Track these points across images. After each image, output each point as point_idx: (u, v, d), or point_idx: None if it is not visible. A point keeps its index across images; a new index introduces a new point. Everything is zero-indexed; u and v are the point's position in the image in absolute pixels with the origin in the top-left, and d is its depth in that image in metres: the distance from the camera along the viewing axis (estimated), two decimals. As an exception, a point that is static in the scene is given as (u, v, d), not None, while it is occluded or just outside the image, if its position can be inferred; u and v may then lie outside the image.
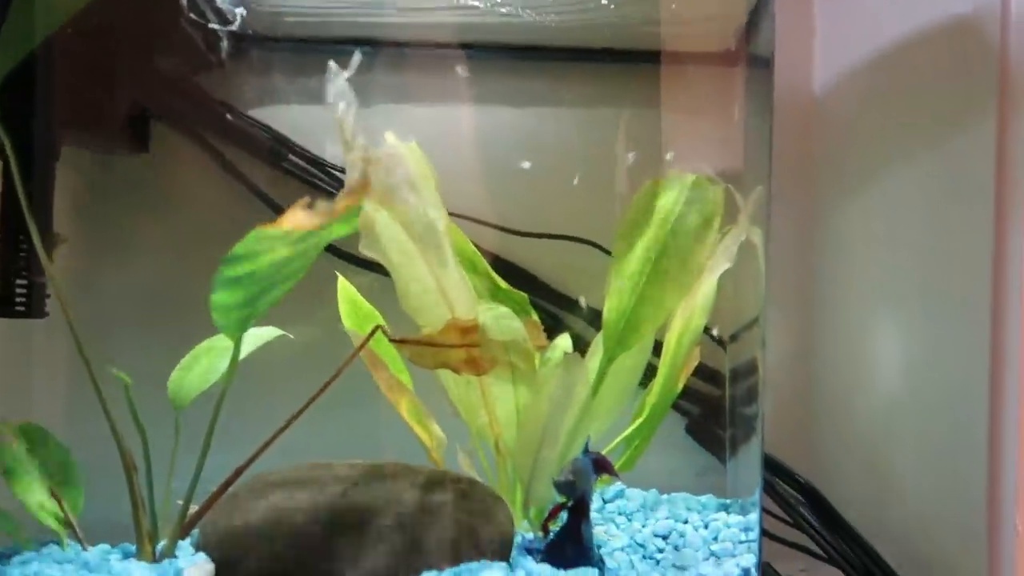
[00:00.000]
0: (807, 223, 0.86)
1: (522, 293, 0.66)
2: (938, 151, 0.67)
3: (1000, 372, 0.59)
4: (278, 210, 0.59)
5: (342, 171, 0.70)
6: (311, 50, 0.70)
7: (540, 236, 0.71)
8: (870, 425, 0.75)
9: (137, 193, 0.67)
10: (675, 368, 0.62)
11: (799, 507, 0.65)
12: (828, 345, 0.84)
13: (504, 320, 0.53)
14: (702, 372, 0.73)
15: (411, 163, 0.51)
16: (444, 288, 0.53)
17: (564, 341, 0.53)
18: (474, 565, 0.47)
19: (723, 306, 0.65)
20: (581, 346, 0.62)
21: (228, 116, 0.68)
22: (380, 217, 0.50)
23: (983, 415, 0.60)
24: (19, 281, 0.56)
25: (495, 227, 0.71)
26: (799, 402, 0.87)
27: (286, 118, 0.72)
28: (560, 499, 0.52)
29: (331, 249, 0.67)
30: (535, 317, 0.65)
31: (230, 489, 0.53)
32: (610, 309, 0.56)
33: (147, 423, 0.53)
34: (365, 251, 0.50)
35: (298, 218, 0.42)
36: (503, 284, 0.66)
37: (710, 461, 0.75)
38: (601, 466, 0.52)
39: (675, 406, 0.77)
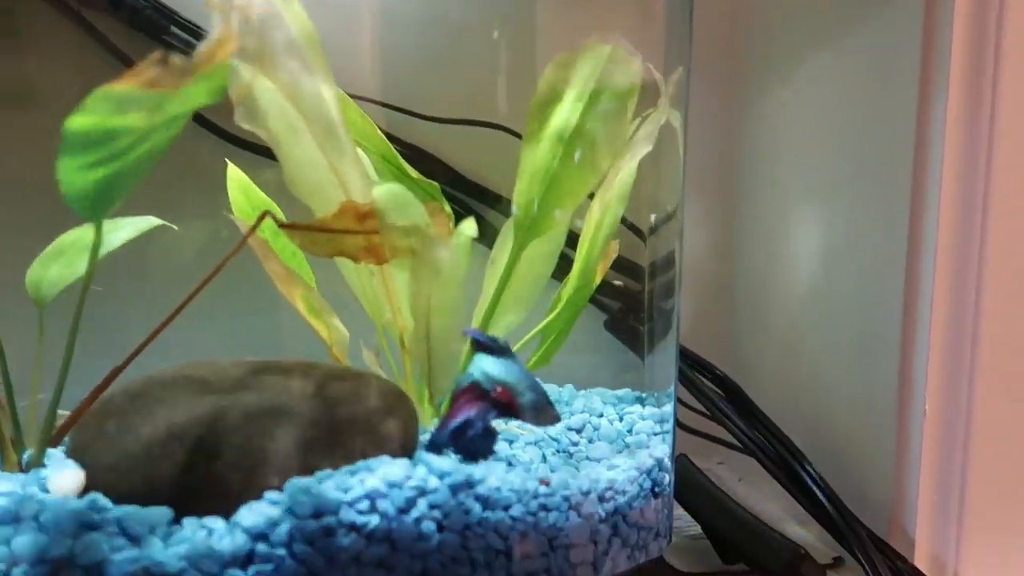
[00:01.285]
0: (731, 109, 0.84)
1: (433, 182, 0.62)
2: (865, 33, 0.64)
3: (916, 259, 0.58)
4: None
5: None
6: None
7: (445, 121, 0.66)
8: (787, 315, 0.74)
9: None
10: (591, 259, 0.59)
11: (717, 400, 0.64)
12: (749, 236, 0.83)
13: (404, 204, 0.48)
14: (622, 266, 0.71)
15: (291, 24, 0.45)
16: (337, 168, 0.48)
17: (469, 226, 0.49)
18: (372, 461, 0.44)
19: (643, 196, 0.62)
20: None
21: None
22: (259, 84, 0.44)
23: (898, 302, 0.59)
24: None
25: (401, 111, 0.66)
26: (719, 295, 0.86)
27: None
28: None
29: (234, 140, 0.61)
30: (447, 207, 0.61)
31: (105, 392, 0.48)
32: (520, 193, 0.52)
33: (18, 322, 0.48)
34: (242, 123, 0.45)
35: (149, 75, 0.36)
36: (413, 172, 0.61)
37: (629, 357, 0.73)
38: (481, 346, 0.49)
39: (595, 301, 0.75)
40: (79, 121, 0.37)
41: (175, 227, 0.55)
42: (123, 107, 0.37)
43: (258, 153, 0.59)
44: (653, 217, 0.65)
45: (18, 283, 0.52)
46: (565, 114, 0.51)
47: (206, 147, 0.66)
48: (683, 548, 0.63)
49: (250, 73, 0.45)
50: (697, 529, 0.63)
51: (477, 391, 0.50)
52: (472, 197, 0.69)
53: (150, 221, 0.53)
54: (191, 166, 0.66)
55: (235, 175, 0.59)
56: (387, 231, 0.49)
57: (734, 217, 0.85)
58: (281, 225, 0.49)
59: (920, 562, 0.57)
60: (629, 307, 0.72)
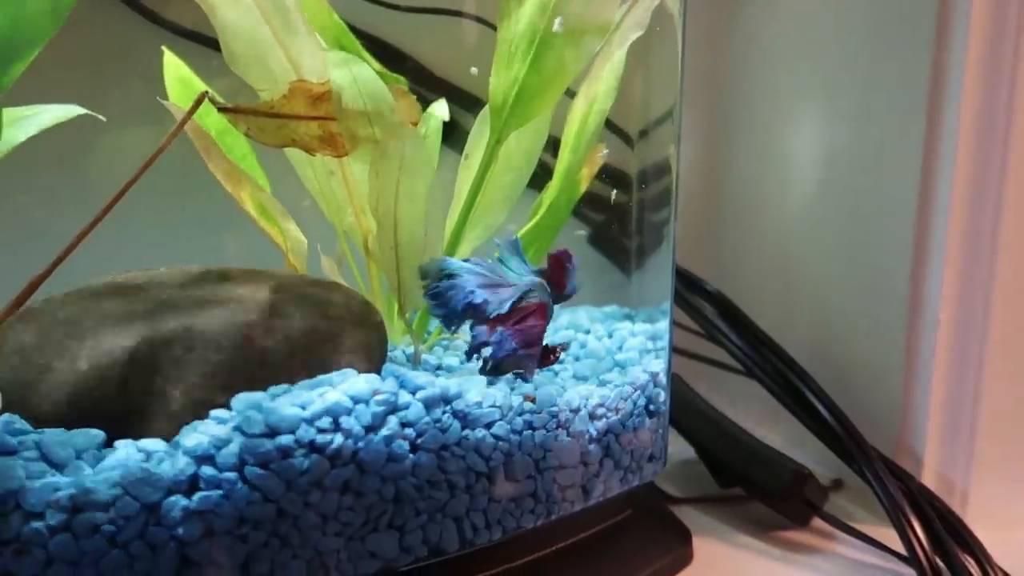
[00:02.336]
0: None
1: (399, 76, 0.55)
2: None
3: (934, 154, 0.53)
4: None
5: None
6: None
7: (411, 10, 0.59)
8: (783, 226, 0.70)
9: None
10: (576, 158, 0.53)
11: (711, 317, 0.59)
12: (737, 144, 0.77)
13: (366, 84, 0.42)
14: (608, 175, 0.65)
15: None
16: (284, 40, 0.41)
17: (440, 108, 0.43)
18: (335, 375, 0.39)
19: (632, 94, 0.56)
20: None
21: None
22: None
23: (911, 205, 0.54)
24: None
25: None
26: (705, 208, 0.81)
27: None
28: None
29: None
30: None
31: (24, 306, 0.42)
32: (497, 77, 0.46)
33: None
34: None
35: None
36: (375, 64, 0.54)
37: (614, 276, 0.68)
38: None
39: (577, 214, 0.69)
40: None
41: (102, 118, 0.48)
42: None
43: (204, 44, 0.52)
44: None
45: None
46: (548, -16, 0.44)
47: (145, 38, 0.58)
48: (676, 473, 0.60)
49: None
50: (691, 453, 0.59)
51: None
52: (443, 98, 0.62)
53: (72, 109, 0.46)
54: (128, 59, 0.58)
55: (173, 64, 0.52)
56: (346, 117, 0.43)
57: (721, 123, 0.79)
58: (221, 108, 0.42)
59: (927, 482, 0.53)
60: (614, 219, 0.66)
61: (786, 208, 0.69)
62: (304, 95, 0.42)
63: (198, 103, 0.43)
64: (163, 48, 0.52)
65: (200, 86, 0.51)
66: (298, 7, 0.41)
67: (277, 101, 0.42)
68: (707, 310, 0.60)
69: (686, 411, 0.57)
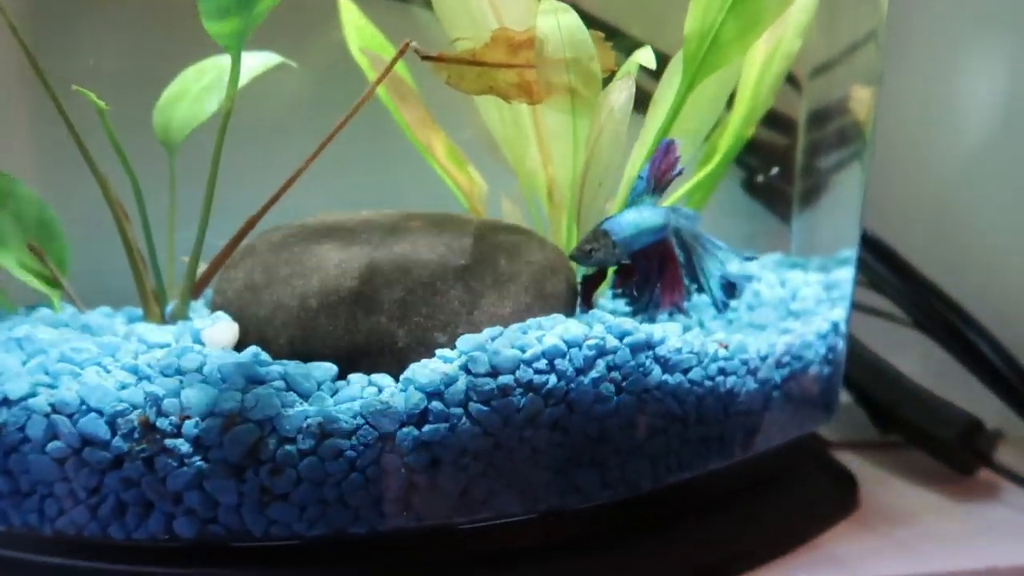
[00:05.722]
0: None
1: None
2: None
3: None
4: None
5: None
6: None
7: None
8: (946, 169, 0.67)
9: None
10: (756, 104, 0.52)
11: (871, 263, 0.58)
12: (894, 83, 0.73)
13: (570, 31, 0.42)
14: (768, 119, 0.64)
15: None
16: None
17: (645, 57, 0.43)
18: (544, 319, 0.41)
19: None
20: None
21: None
22: None
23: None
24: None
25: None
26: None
27: None
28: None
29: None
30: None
31: (244, 241, 0.45)
32: (693, 19, 0.45)
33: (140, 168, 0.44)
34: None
35: None
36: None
37: (770, 220, 0.67)
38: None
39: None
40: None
41: (294, 64, 0.50)
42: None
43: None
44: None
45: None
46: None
47: None
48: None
49: None
50: (846, 398, 0.59)
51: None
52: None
53: (271, 57, 0.48)
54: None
55: (349, 11, 0.53)
56: (545, 65, 0.43)
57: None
58: (425, 57, 0.43)
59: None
60: (774, 163, 0.65)
61: (953, 149, 0.66)
62: (506, 43, 0.43)
63: (402, 51, 0.44)
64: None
65: (376, 33, 0.52)
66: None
67: (480, 49, 0.43)
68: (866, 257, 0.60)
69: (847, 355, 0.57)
